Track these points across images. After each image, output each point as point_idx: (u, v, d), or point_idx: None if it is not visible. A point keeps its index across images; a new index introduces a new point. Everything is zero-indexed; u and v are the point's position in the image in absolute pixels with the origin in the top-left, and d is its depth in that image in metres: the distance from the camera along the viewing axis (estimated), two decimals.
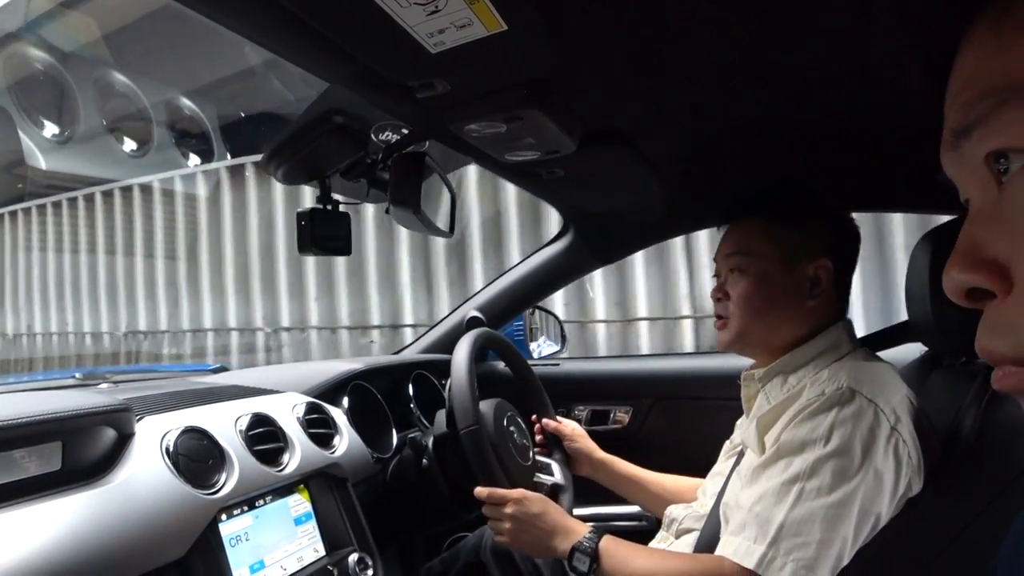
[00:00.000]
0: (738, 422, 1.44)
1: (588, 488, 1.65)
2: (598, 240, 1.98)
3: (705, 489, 1.41)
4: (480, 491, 1.30)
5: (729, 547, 1.06)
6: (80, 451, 0.95)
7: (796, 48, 0.91)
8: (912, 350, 1.45)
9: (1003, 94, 0.37)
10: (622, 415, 2.10)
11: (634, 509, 1.89)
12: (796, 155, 1.35)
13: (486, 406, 1.41)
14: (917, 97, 0.99)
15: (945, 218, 1.29)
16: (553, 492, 1.53)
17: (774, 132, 1.25)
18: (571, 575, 1.19)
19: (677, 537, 1.37)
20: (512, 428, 1.45)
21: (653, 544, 1.41)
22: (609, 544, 1.18)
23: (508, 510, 1.27)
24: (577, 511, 1.61)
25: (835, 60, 0.94)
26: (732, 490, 1.25)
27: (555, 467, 1.59)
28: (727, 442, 1.46)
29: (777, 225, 1.23)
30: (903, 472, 1.03)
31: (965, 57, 0.41)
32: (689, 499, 1.48)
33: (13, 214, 7.76)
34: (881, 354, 1.25)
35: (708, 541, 1.24)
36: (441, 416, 1.45)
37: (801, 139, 1.27)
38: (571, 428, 1.64)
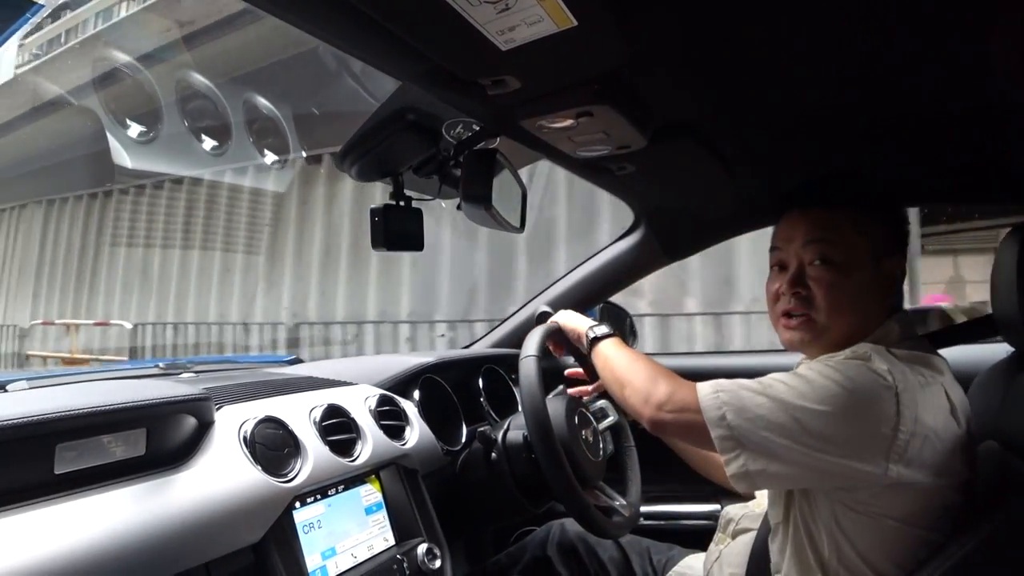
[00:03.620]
0: None
1: (654, 488, 1.63)
2: (669, 235, 1.96)
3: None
4: None
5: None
6: (163, 437, 1.00)
7: (881, 38, 0.88)
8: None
9: None
10: None
11: (700, 508, 1.90)
12: (875, 148, 1.30)
13: (556, 404, 1.40)
14: (1007, 90, 0.95)
15: None
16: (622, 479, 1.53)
17: (853, 125, 1.21)
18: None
19: (734, 537, 1.35)
20: (583, 428, 1.44)
21: (711, 546, 1.39)
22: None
23: None
24: (643, 508, 1.60)
25: (921, 51, 0.91)
26: None
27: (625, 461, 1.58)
28: None
29: (866, 216, 1.13)
30: (879, 442, 0.97)
31: None
32: None
33: (93, 196, 7.99)
34: (962, 349, 1.19)
35: (764, 540, 1.21)
36: (512, 420, 1.45)
37: (882, 132, 1.23)
38: None
